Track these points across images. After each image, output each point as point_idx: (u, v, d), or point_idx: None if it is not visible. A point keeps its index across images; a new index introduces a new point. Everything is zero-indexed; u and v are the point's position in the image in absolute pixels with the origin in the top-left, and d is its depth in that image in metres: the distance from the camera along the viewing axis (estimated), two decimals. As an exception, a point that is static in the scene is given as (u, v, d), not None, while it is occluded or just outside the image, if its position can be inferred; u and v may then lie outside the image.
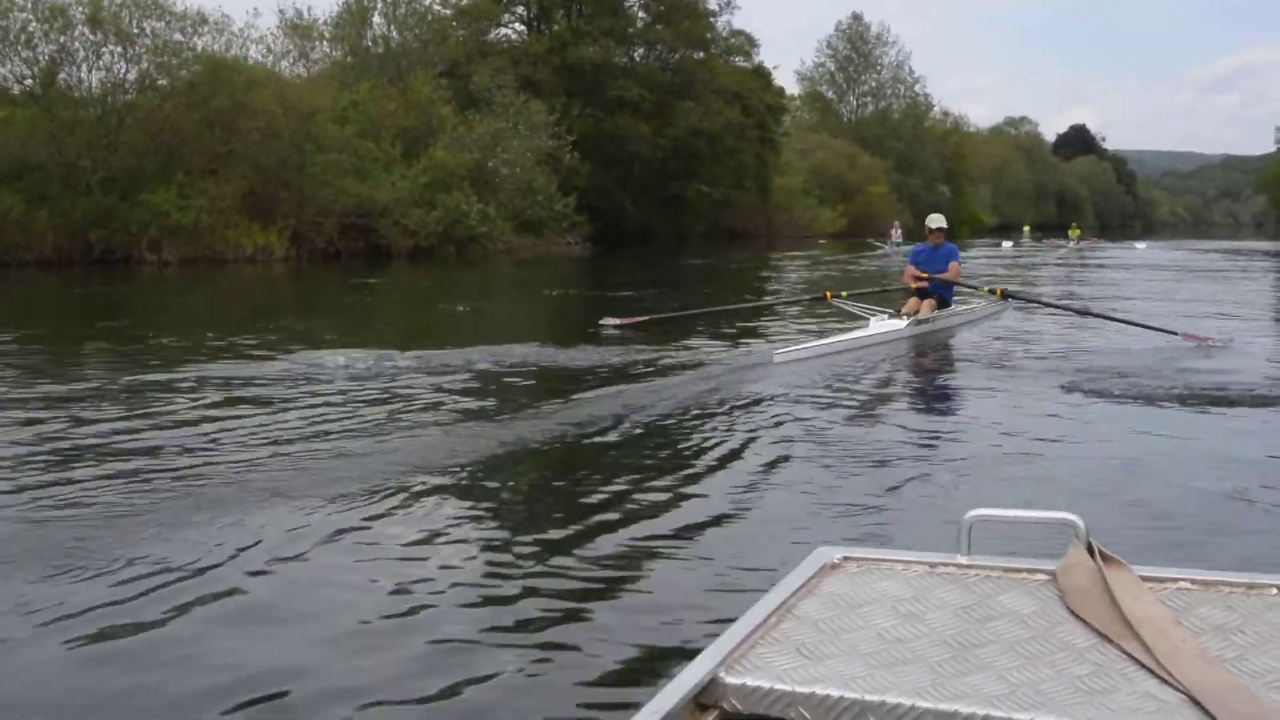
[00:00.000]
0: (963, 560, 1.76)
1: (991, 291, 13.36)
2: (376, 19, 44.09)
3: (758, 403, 8.03)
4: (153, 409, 7.61)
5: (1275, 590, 1.61)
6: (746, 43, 62.19)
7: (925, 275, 12.45)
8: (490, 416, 7.46)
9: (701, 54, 57.74)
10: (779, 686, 1.42)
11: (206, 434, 6.68)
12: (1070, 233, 61.93)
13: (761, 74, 62.82)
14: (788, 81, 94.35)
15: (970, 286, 13.90)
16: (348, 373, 9.32)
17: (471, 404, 8.00)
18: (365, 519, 4.87)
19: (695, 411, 7.71)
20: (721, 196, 58.97)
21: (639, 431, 7.01)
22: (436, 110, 39.12)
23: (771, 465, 6.02)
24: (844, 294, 13.11)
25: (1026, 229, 65.88)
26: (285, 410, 7.55)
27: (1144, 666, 1.41)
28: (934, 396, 9.00)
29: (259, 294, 23.51)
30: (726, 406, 7.90)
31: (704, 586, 4.03)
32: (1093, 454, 6.25)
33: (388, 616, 3.75)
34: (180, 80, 31.77)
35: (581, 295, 22.28)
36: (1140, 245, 55.65)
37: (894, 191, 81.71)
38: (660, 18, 56.55)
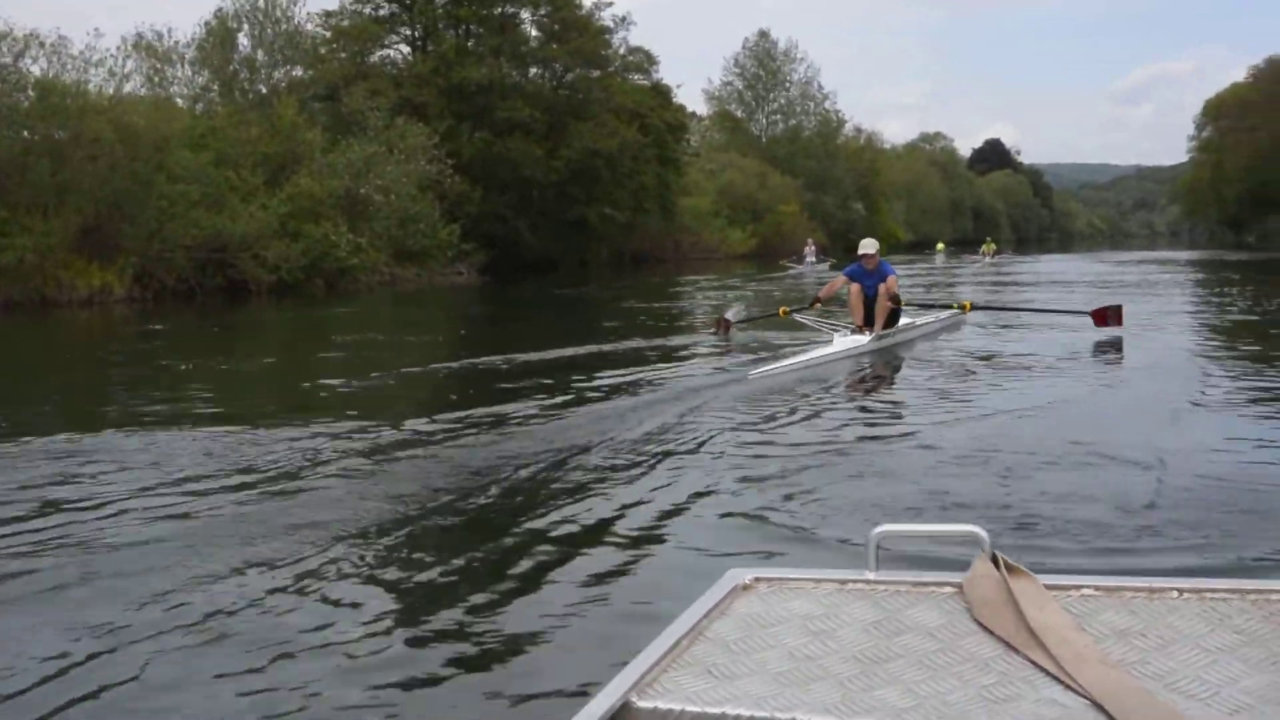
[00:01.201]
0: (871, 576, 1.77)
1: (960, 306, 14.14)
2: (243, 40, 41.30)
3: (711, 424, 8.10)
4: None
5: (1176, 593, 1.64)
6: (645, 60, 59.99)
7: (876, 298, 12.56)
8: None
9: (597, 72, 55.37)
10: (690, 709, 1.43)
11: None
12: (984, 247, 60.77)
13: (660, 91, 60.27)
14: (695, 101, 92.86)
15: (939, 305, 14.64)
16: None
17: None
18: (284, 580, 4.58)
19: (648, 433, 7.83)
20: (625, 220, 56.80)
21: (586, 456, 7.06)
22: (302, 135, 36.49)
23: (704, 487, 6.12)
24: (794, 310, 14.08)
25: (940, 245, 64.43)
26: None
27: (1048, 674, 1.43)
28: (876, 413, 8.97)
29: (55, 344, 20.81)
30: (679, 429, 7.97)
31: (620, 612, 4.12)
32: (1011, 461, 6.41)
33: (309, 656, 3.75)
34: (6, 108, 28.95)
35: (376, 341, 19.94)
36: (1040, 259, 57.79)
37: (806, 210, 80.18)
38: (553, 36, 54.20)
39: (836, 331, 12.44)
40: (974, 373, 10.76)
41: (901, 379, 10.99)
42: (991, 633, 1.54)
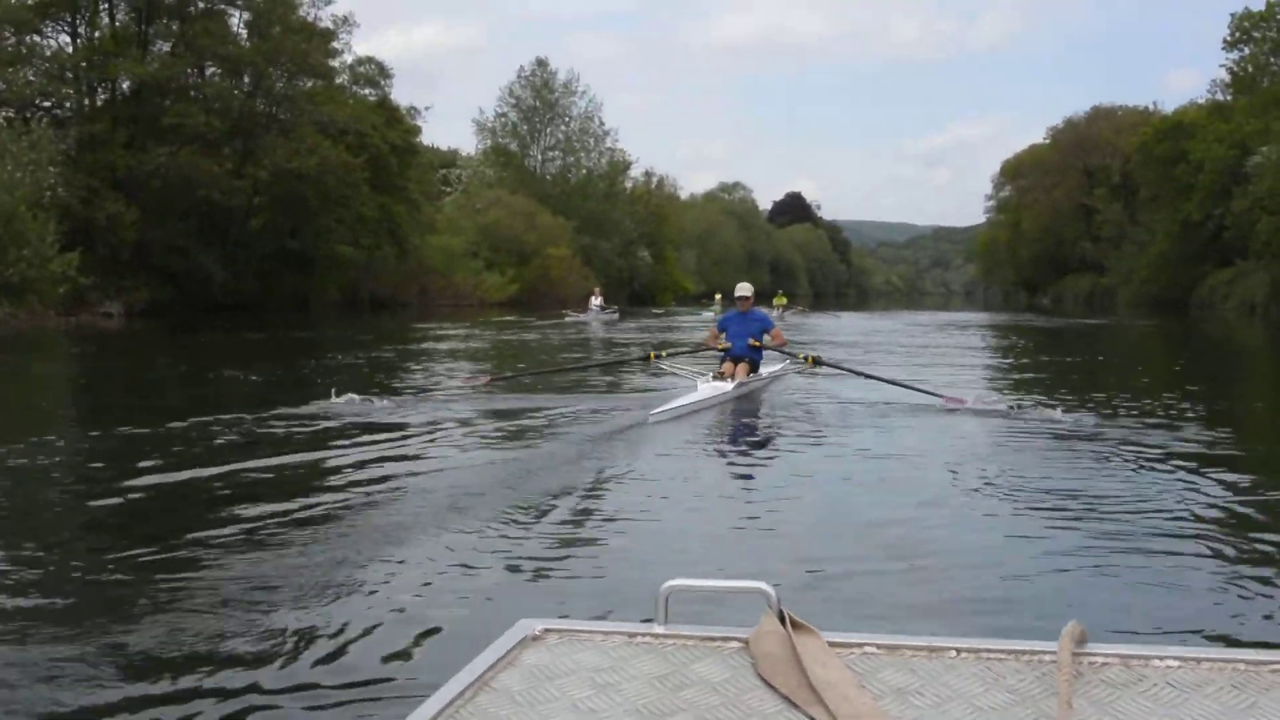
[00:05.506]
0: (659, 630, 1.77)
1: (805, 359, 14.27)
2: None
3: (523, 475, 7.70)
4: None
5: (955, 653, 1.66)
6: (378, 72, 51.56)
7: (757, 344, 13.23)
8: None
9: (311, 82, 46.37)
10: None
11: None
12: (775, 300, 54.55)
13: (388, 109, 51.59)
14: (465, 132, 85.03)
15: (789, 354, 14.79)
16: None
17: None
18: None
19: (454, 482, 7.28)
20: (353, 257, 48.22)
21: (386, 503, 6.57)
22: None
23: (508, 540, 5.79)
24: (664, 354, 14.47)
25: (718, 297, 58.23)
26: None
27: None
28: (700, 466, 8.58)
29: None
30: (495, 481, 7.43)
31: (410, 664, 3.92)
32: (816, 518, 6.43)
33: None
34: None
35: None
36: (841, 316, 51.87)
37: (581, 255, 72.96)
38: (254, 32, 45.13)
39: (700, 378, 12.65)
40: (815, 428, 10.52)
41: (744, 431, 10.90)
42: (774, 688, 1.56)
